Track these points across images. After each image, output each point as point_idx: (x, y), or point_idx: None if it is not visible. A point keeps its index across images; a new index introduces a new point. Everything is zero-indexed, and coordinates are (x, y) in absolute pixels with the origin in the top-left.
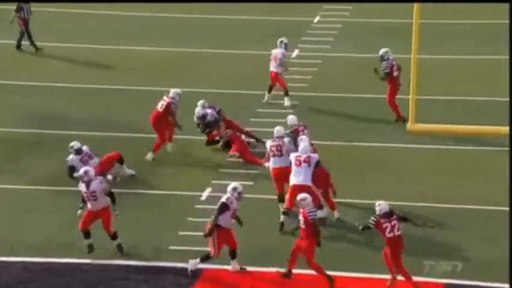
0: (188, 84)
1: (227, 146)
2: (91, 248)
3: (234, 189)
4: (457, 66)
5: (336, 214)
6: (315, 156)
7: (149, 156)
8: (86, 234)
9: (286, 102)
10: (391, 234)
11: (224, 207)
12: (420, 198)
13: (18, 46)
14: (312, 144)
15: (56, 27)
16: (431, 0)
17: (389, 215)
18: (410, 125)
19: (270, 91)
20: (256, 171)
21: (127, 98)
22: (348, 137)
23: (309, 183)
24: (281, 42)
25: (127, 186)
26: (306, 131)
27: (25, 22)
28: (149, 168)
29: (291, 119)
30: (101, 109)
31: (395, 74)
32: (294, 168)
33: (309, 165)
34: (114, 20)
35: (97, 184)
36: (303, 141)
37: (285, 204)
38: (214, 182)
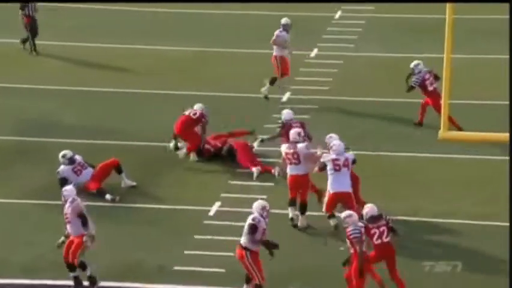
0: (195, 87)
1: (230, 155)
2: (77, 281)
3: (263, 208)
4: (494, 67)
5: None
6: (351, 157)
7: (182, 152)
8: (69, 267)
9: (264, 89)
10: (379, 241)
11: (254, 229)
12: (453, 214)
13: (23, 42)
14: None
15: (59, 25)
16: (440, 0)
17: (376, 219)
18: (441, 132)
19: (275, 83)
20: (270, 184)
21: (129, 101)
22: (373, 145)
23: (350, 189)
24: (280, 23)
25: (126, 200)
26: (300, 130)
27: (31, 19)
28: (152, 179)
29: (287, 113)
30: (100, 114)
31: (431, 88)
32: (332, 173)
33: (348, 168)
34: (121, 16)
35: (67, 205)
36: (334, 139)
37: (325, 209)
38: (223, 195)
